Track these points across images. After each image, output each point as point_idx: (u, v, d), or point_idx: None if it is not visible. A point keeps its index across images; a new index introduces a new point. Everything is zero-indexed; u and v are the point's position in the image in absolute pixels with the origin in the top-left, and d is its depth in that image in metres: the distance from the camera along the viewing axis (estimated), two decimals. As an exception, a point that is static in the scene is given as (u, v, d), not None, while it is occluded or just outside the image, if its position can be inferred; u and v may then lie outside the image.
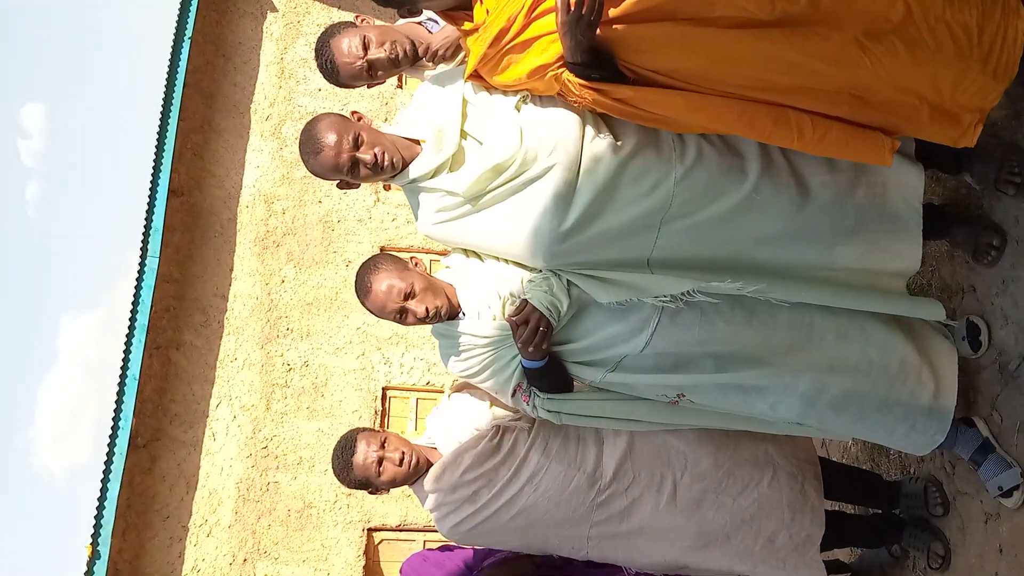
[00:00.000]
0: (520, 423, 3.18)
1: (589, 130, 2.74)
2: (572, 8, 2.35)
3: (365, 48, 2.94)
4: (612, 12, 2.43)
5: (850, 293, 2.84)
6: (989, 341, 3.10)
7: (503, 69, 2.65)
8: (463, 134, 2.85)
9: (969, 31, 2.55)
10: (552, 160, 2.71)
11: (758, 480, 3.18)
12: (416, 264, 3.00)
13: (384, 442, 3.11)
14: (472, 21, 2.64)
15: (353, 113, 2.93)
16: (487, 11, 2.57)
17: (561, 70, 2.55)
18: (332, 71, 2.99)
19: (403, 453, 3.10)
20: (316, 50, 3.02)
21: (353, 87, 3.11)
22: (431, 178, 2.84)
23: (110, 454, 6.42)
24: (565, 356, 2.95)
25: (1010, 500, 2.98)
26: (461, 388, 3.34)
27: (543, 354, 2.86)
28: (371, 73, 2.98)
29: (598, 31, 2.43)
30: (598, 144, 2.73)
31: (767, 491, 3.17)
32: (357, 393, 7.17)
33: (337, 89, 7.41)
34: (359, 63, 2.94)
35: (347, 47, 2.94)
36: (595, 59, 2.50)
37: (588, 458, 3.13)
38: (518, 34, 2.55)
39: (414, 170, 2.85)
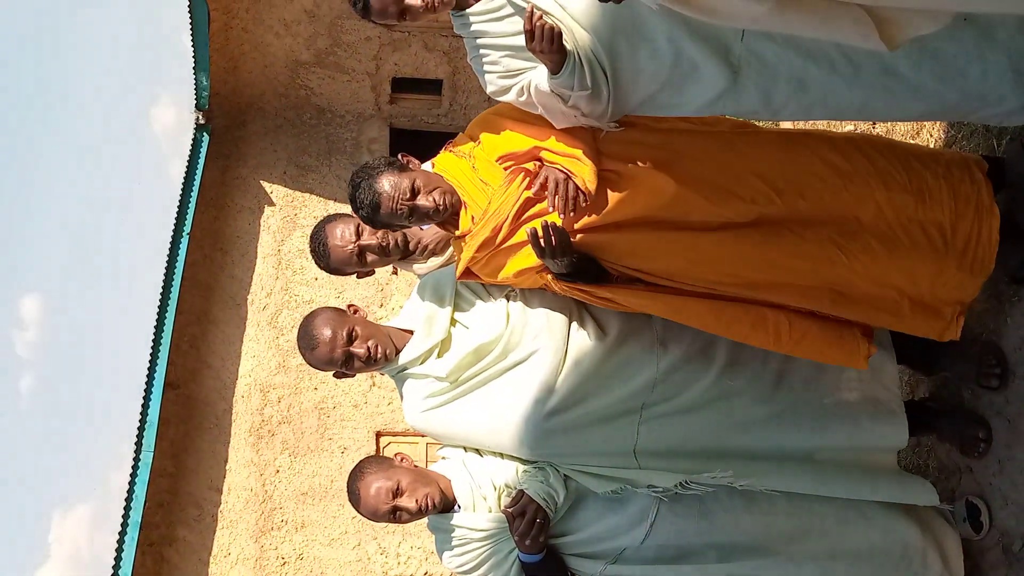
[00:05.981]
0: None
1: (574, 319, 2.82)
2: (542, 243, 2.48)
3: (358, 234, 3.03)
4: (594, 221, 2.55)
5: (841, 480, 2.84)
6: (990, 522, 3.07)
7: (493, 270, 2.75)
8: (452, 321, 2.91)
9: (943, 229, 2.65)
10: (536, 345, 2.78)
11: None
12: (402, 460, 2.96)
13: None
14: (459, 228, 2.74)
15: (349, 306, 3.00)
16: (472, 218, 2.68)
17: (546, 271, 2.65)
18: (324, 254, 3.06)
19: None
20: (311, 235, 3.12)
21: (343, 273, 3.18)
22: (420, 364, 2.89)
23: (98, 658, 6.21)
24: (563, 549, 2.90)
25: None
26: None
27: (541, 547, 2.82)
28: (361, 259, 3.06)
29: (580, 237, 2.55)
30: (584, 333, 2.80)
31: None
32: (353, 586, 7.00)
33: (334, 278, 7.58)
34: (351, 247, 3.02)
35: (340, 232, 3.03)
36: (578, 267, 2.61)
37: None
38: (505, 240, 2.67)
39: (404, 356, 2.90)
